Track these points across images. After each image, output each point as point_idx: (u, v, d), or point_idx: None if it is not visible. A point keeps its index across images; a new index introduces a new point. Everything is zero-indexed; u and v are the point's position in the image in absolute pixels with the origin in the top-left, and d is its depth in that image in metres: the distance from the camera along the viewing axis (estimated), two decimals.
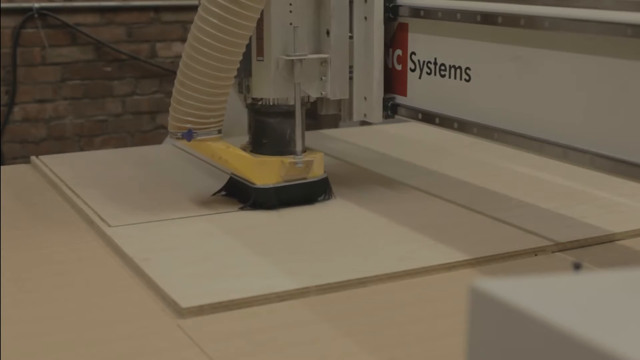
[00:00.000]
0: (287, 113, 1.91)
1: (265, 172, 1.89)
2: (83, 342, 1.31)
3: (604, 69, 1.46)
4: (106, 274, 1.59)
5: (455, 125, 1.81)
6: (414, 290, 1.50)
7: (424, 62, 1.90)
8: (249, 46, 1.84)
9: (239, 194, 1.95)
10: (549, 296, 0.66)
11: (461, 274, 1.57)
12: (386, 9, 1.92)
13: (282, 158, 1.90)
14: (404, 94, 1.97)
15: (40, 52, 4.28)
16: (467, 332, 0.69)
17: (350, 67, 1.94)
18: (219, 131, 1.86)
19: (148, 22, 4.53)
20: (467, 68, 1.77)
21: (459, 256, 1.61)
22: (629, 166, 1.43)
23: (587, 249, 1.68)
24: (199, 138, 1.84)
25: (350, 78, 1.95)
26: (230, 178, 1.97)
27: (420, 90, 1.92)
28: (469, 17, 1.73)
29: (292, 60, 1.85)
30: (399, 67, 1.97)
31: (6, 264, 1.61)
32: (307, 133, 1.98)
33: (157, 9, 4.53)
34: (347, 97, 1.95)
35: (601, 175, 1.52)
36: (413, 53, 1.93)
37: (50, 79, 4.32)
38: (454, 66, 1.81)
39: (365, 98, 1.96)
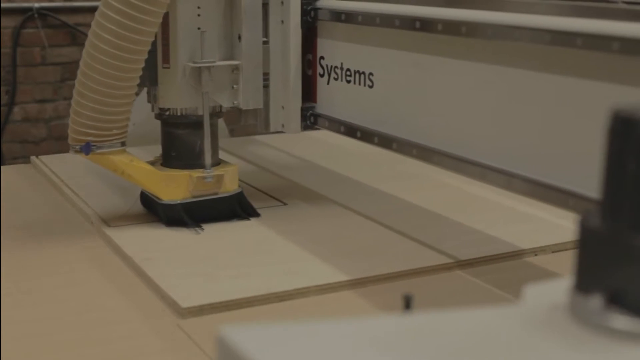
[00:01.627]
0: (197, 124, 1.79)
1: (172, 187, 1.79)
2: (83, 342, 1.31)
3: (502, 78, 1.35)
4: (106, 274, 1.59)
5: (358, 134, 1.71)
6: (412, 290, 1.50)
7: (331, 67, 1.80)
8: (154, 52, 1.74)
9: (152, 209, 1.85)
10: (293, 348, 0.58)
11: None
12: (304, 12, 1.80)
13: (190, 172, 1.79)
14: (314, 100, 1.86)
15: (40, 52, 4.28)
16: None
17: (267, 74, 1.82)
18: (123, 143, 1.76)
19: None
20: (371, 74, 1.67)
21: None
22: (524, 182, 1.33)
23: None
24: (99, 151, 1.73)
25: (267, 86, 1.83)
26: (142, 192, 1.88)
27: (328, 96, 1.82)
28: (369, 19, 1.63)
29: (200, 67, 1.73)
30: (309, 72, 1.87)
31: (6, 264, 1.61)
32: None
33: None
34: (261, 106, 1.83)
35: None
36: (322, 57, 1.83)
37: (50, 79, 4.32)
38: (358, 71, 1.71)
39: (282, 107, 1.84)
